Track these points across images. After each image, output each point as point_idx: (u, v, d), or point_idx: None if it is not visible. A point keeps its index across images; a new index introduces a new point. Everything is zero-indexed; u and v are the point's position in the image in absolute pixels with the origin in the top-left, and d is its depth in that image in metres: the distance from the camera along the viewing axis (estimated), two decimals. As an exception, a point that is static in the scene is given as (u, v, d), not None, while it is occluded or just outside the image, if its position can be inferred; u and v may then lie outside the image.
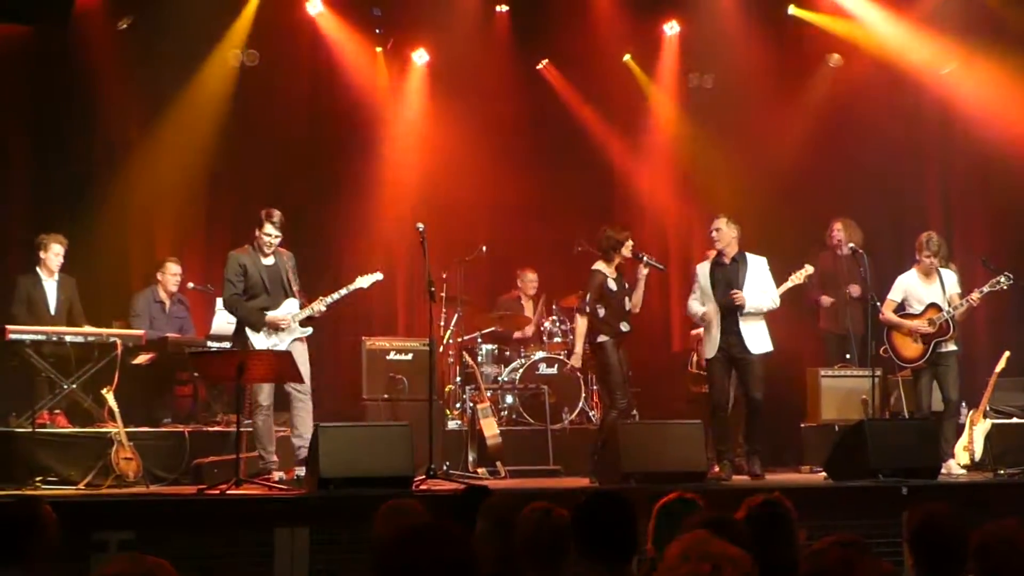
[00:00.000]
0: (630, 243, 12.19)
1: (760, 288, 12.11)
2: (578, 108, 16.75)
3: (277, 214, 11.61)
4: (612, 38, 16.64)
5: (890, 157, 16.16)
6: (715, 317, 12.16)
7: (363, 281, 12.03)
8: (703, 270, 12.33)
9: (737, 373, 12.20)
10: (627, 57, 16.91)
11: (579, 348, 12.37)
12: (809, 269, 13.16)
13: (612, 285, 12.11)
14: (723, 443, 12.18)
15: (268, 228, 11.55)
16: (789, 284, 13.04)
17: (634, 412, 14.17)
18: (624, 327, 12.10)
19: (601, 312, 12.05)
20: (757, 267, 12.18)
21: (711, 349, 12.22)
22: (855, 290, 14.47)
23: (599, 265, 12.19)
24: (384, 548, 3.45)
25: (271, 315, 11.46)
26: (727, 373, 12.23)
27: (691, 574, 3.46)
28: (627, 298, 12.18)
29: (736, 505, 5.70)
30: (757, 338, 12.10)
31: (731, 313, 12.07)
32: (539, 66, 16.84)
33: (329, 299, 11.78)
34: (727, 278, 12.14)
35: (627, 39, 16.74)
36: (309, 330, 11.70)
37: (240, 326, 11.57)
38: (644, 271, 12.23)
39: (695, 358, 14.27)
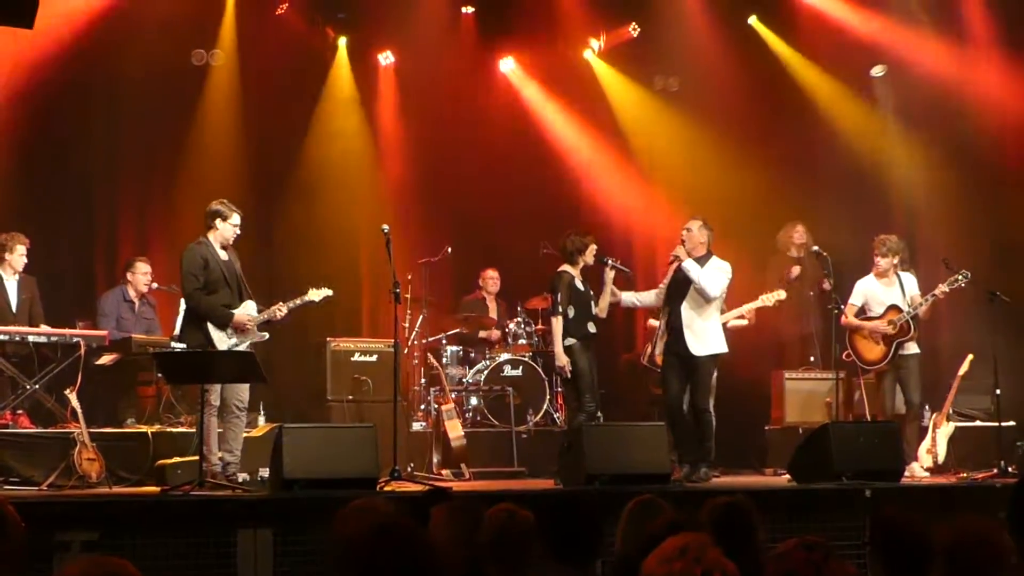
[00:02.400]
0: (594, 247, 12.20)
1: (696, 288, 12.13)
2: (543, 109, 16.76)
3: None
4: (577, 40, 16.69)
5: (852, 160, 16.21)
6: (665, 318, 12.25)
7: (314, 295, 11.91)
8: (674, 267, 12.37)
9: (688, 375, 12.24)
10: (588, 53, 16.91)
11: (559, 348, 12.23)
12: (782, 294, 13.32)
13: (579, 286, 12.12)
14: (682, 446, 12.17)
15: (236, 219, 11.41)
16: (758, 304, 13.18)
17: (598, 414, 14.20)
18: (591, 328, 12.10)
19: (571, 313, 12.04)
20: (712, 265, 12.19)
21: (660, 348, 12.31)
22: (794, 271, 14.64)
23: (565, 267, 12.19)
24: (348, 547, 3.44)
25: (238, 315, 11.32)
26: (678, 375, 12.23)
27: (683, 571, 3.47)
28: (592, 301, 12.18)
29: (700, 507, 5.73)
30: (700, 338, 12.12)
31: (675, 313, 12.14)
32: (505, 67, 16.84)
33: (291, 304, 11.72)
34: (679, 280, 12.18)
35: (593, 37, 16.77)
36: (266, 335, 11.62)
37: (196, 323, 11.37)
38: (610, 274, 12.26)
39: (649, 350, 14.20)
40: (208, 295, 11.30)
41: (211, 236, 11.41)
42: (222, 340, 11.24)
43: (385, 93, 16.38)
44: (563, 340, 12.02)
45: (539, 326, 15.04)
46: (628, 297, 12.62)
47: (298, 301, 11.81)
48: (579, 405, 12.05)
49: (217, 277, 11.32)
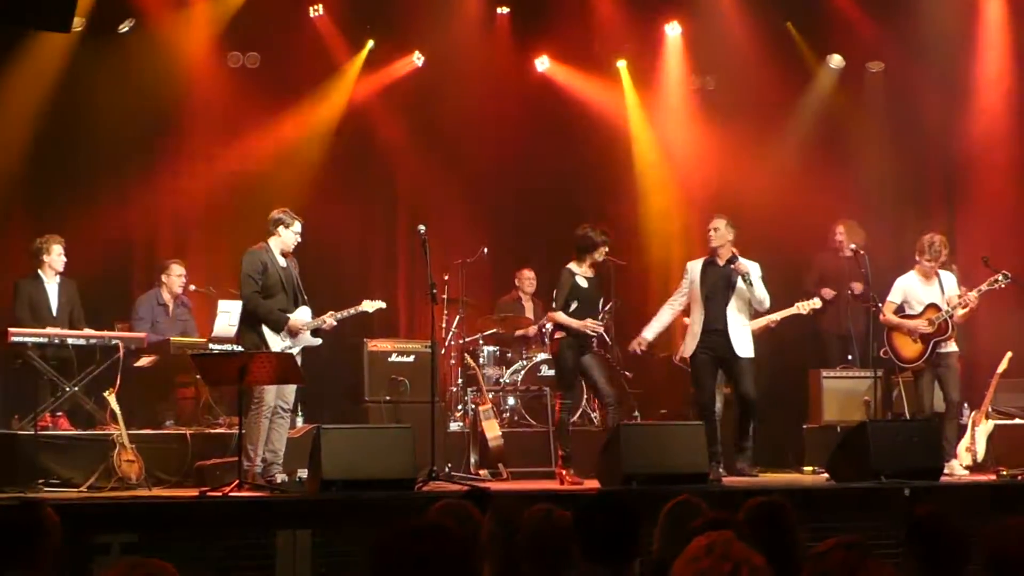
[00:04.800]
0: (605, 249, 12.12)
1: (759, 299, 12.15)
2: (579, 109, 16.72)
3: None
4: (614, 39, 16.65)
5: (891, 157, 16.17)
6: (699, 317, 12.23)
7: (368, 306, 12.08)
8: (694, 266, 12.36)
9: (726, 373, 12.25)
10: (622, 63, 16.89)
11: (577, 323, 12.14)
12: (816, 303, 13.32)
13: (583, 283, 12.07)
14: (712, 444, 12.05)
15: (297, 227, 11.63)
16: (792, 311, 13.16)
17: (635, 413, 14.19)
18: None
19: (572, 307, 12.02)
20: (758, 292, 12.18)
21: (691, 347, 12.28)
22: (857, 287, 14.49)
23: (570, 264, 12.17)
24: (382, 548, 3.45)
25: (294, 319, 11.47)
26: (713, 374, 12.27)
27: (711, 569, 3.47)
28: (601, 300, 12.19)
29: (737, 506, 5.71)
30: (744, 342, 12.15)
31: (718, 313, 12.10)
32: (540, 67, 16.82)
33: (341, 315, 11.85)
34: (718, 278, 12.12)
35: (628, 40, 16.74)
36: (319, 341, 11.76)
37: (252, 325, 11.50)
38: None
39: (681, 350, 14.15)
40: (264, 299, 11.41)
41: (272, 242, 11.61)
42: (276, 343, 11.39)
43: (421, 93, 16.35)
44: (555, 332, 12.08)
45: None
46: (651, 333, 12.63)
47: (351, 311, 11.94)
48: (561, 397, 12.13)
49: (274, 282, 11.51)
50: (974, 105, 15.75)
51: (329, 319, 11.78)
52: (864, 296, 14.05)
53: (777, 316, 13.33)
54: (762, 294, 12.16)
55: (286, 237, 11.61)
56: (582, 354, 12.04)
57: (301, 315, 11.56)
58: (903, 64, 16.31)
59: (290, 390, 11.54)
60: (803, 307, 13.35)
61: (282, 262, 11.63)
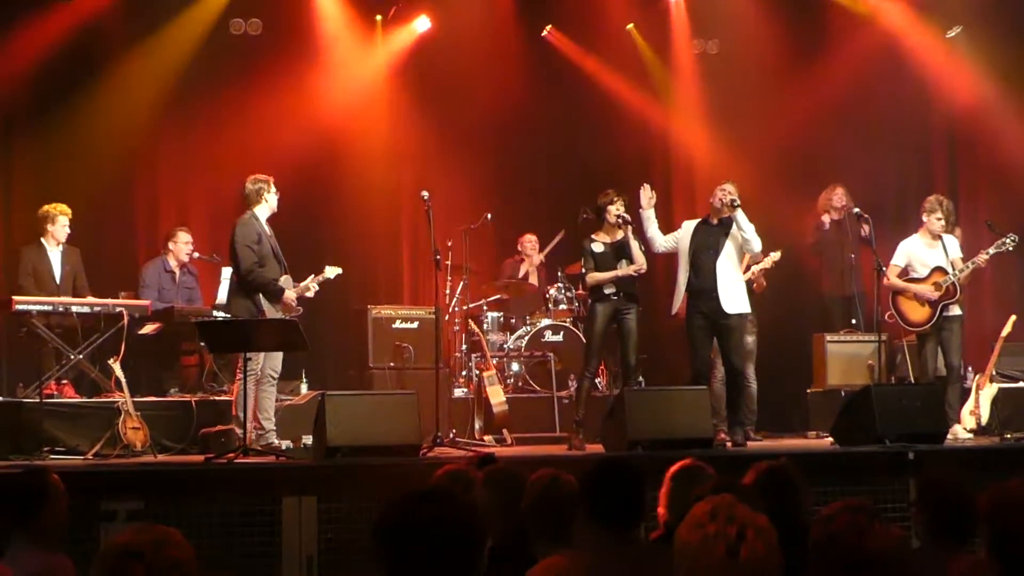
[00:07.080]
0: (612, 207, 12.01)
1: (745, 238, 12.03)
2: (583, 75, 16.67)
3: None
4: (618, 3, 16.58)
5: (894, 122, 16.11)
6: (684, 276, 12.08)
7: (330, 272, 12.09)
8: (689, 224, 12.22)
9: (717, 337, 12.11)
10: (630, 26, 16.85)
11: (609, 275, 12.04)
12: (775, 255, 13.24)
13: (598, 248, 12.03)
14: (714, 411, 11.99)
15: (275, 190, 11.64)
16: (764, 265, 13.12)
17: (640, 379, 14.18)
18: (606, 290, 12.01)
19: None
20: (743, 223, 12.05)
21: (677, 304, 12.14)
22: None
23: (592, 235, 12.16)
24: (387, 513, 3.45)
25: (288, 294, 11.48)
26: (708, 338, 12.10)
27: (717, 533, 3.46)
28: (624, 260, 12.06)
29: (744, 471, 5.72)
30: (734, 297, 11.96)
31: (707, 272, 11.94)
32: (544, 32, 16.77)
33: (321, 277, 11.89)
34: (710, 239, 12.04)
35: (632, 4, 16.67)
36: (300, 309, 11.76)
37: (247, 294, 11.46)
38: (627, 230, 12.14)
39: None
40: (259, 268, 11.42)
41: (258, 210, 11.62)
42: (271, 311, 11.35)
43: (423, 58, 16.28)
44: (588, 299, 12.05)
45: (579, 291, 14.99)
46: (661, 241, 12.31)
47: (320, 278, 11.93)
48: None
49: (267, 252, 11.52)
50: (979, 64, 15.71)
51: (313, 285, 11.79)
52: (868, 259, 14.01)
53: (750, 273, 13.26)
54: (753, 234, 12.01)
55: (272, 201, 11.64)
56: (614, 320, 12.03)
57: (285, 283, 11.58)
58: (904, 23, 16.24)
59: (277, 357, 11.52)
60: (766, 261, 13.29)
61: (268, 230, 11.63)
